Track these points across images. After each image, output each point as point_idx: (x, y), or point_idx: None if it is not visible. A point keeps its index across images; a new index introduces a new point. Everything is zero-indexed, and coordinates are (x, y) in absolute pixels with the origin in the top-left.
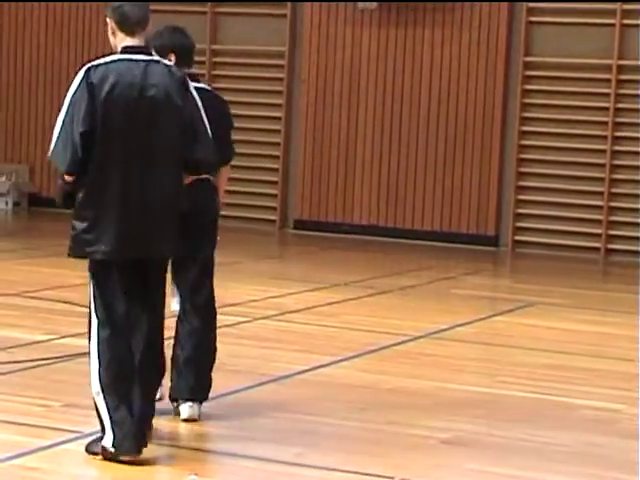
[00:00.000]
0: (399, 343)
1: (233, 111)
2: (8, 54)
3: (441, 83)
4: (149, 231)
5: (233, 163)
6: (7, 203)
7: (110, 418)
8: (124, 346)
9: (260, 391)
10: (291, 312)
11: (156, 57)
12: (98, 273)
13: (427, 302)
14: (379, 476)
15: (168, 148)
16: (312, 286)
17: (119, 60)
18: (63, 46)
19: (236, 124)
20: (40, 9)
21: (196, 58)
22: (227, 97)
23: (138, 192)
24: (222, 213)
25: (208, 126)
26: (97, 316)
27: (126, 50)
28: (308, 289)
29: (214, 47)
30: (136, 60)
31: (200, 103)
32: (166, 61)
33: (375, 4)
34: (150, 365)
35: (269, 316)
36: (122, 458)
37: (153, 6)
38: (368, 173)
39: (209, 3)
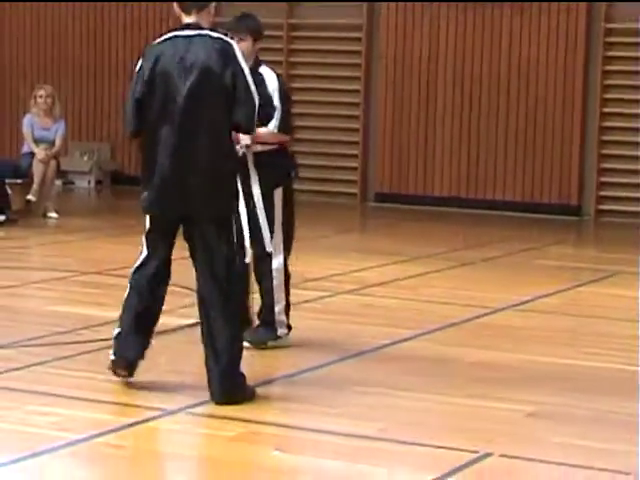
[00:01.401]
0: (482, 315)
1: (311, 85)
2: (88, 35)
3: (521, 52)
4: (190, 192)
5: (312, 136)
6: (90, 182)
7: None
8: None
9: (343, 365)
10: (373, 286)
11: (205, 31)
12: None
13: (510, 273)
14: (463, 450)
15: (211, 113)
16: (394, 259)
17: (171, 37)
18: (142, 25)
19: (315, 98)
20: None
21: (273, 32)
22: (305, 71)
23: (178, 155)
24: (303, 187)
25: (254, 91)
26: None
27: (180, 27)
28: (390, 262)
29: (291, 21)
30: (183, 35)
31: (247, 70)
32: (215, 34)
33: None
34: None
35: (351, 290)
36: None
37: None
38: (448, 144)
39: None
